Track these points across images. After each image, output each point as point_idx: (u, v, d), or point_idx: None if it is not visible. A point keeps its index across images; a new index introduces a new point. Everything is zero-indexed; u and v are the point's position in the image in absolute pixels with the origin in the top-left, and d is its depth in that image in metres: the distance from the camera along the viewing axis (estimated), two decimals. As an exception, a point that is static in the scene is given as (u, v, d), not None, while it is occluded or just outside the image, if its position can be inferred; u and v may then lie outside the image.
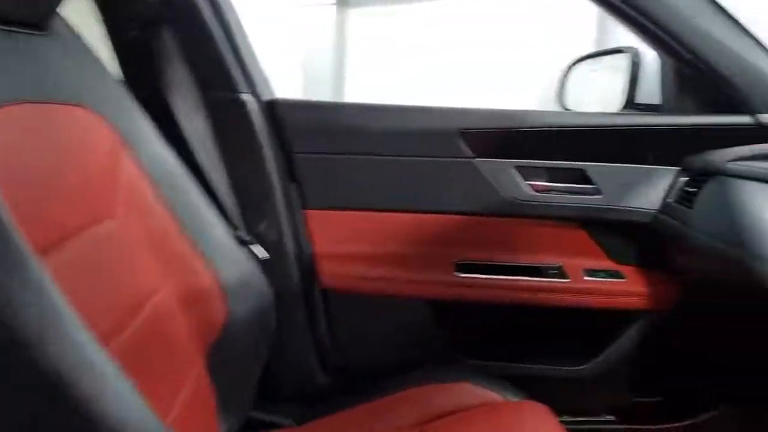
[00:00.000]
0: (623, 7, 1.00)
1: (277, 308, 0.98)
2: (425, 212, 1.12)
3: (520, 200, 1.09)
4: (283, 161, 1.12)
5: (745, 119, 1.00)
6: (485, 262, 1.12)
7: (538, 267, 1.11)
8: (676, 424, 1.16)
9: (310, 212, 1.13)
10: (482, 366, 1.16)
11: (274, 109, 1.12)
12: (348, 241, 1.14)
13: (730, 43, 0.99)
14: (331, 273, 1.14)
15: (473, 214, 1.11)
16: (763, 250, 0.78)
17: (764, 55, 0.99)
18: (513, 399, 0.95)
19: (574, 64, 1.34)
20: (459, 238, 1.13)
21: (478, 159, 1.09)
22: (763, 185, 0.84)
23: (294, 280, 1.12)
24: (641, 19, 1.00)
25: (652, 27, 1.01)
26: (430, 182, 1.12)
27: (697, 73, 1.03)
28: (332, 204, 1.14)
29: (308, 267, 1.13)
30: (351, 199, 1.14)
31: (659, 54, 1.08)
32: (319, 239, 1.13)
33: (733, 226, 0.86)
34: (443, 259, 1.13)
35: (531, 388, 0.98)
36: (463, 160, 1.09)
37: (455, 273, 1.12)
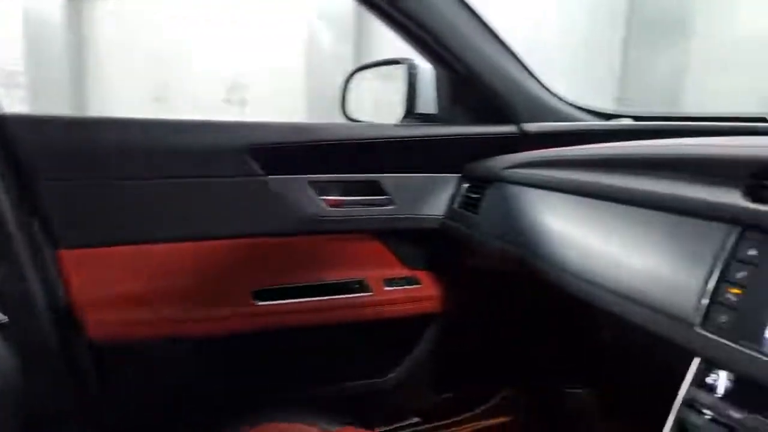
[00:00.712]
0: (404, 20, 1.01)
1: (31, 376, 0.77)
2: (213, 239, 1.00)
3: (318, 217, 1.04)
4: (19, 191, 0.88)
5: (511, 128, 1.10)
6: (286, 286, 1.04)
7: (342, 283, 1.08)
8: (474, 412, 1.24)
9: (64, 253, 0.92)
10: (289, 397, 1.08)
11: (1, 126, 0.87)
12: (116, 283, 0.95)
13: (497, 58, 1.07)
14: (98, 322, 0.94)
15: (268, 235, 1.02)
16: (539, 250, 0.85)
17: (523, 69, 1.10)
18: (329, 428, 0.89)
19: (352, 74, 1.33)
20: (255, 263, 1.02)
21: (270, 177, 1.00)
22: (537, 190, 0.92)
23: (49, 338, 0.90)
24: (418, 31, 1.03)
25: (429, 41, 1.04)
26: (216, 205, 0.99)
27: (469, 86, 1.09)
28: (92, 241, 0.93)
29: (67, 319, 0.92)
30: (116, 233, 0.95)
31: (433, 66, 1.12)
32: (78, 284, 0.92)
33: (513, 228, 0.93)
34: (238, 288, 1.01)
35: (343, 406, 0.94)
36: (254, 178, 0.99)
37: (253, 302, 1.02)
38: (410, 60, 1.17)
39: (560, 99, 1.13)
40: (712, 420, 0.57)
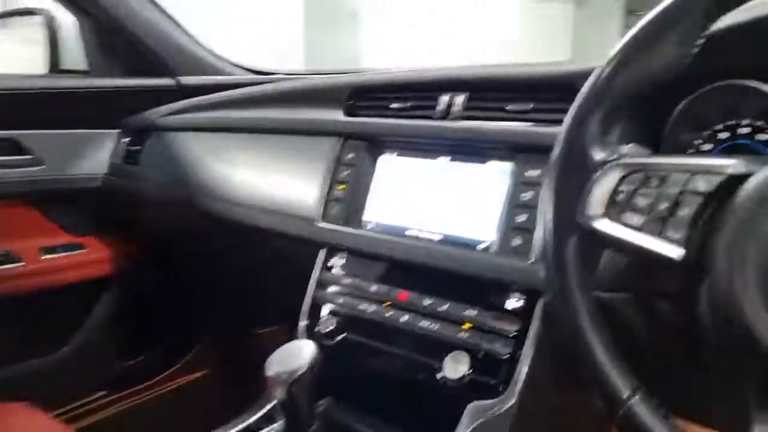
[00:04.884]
0: None
1: None
2: None
3: None
4: None
5: (168, 81, 1.11)
6: None
7: None
8: (167, 372, 1.23)
9: None
10: None
11: None
12: None
13: (144, 12, 1.06)
14: None
15: None
16: (198, 185, 0.90)
17: (174, 25, 1.11)
18: None
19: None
20: None
21: None
22: (190, 133, 0.97)
23: None
24: None
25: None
26: None
27: (123, 42, 1.06)
28: None
29: None
30: None
31: (79, 19, 1.06)
32: None
33: (174, 172, 0.96)
34: None
35: (12, 389, 0.85)
36: None
37: None
38: (47, 11, 1.08)
39: (215, 55, 1.18)
40: (335, 292, 0.70)
